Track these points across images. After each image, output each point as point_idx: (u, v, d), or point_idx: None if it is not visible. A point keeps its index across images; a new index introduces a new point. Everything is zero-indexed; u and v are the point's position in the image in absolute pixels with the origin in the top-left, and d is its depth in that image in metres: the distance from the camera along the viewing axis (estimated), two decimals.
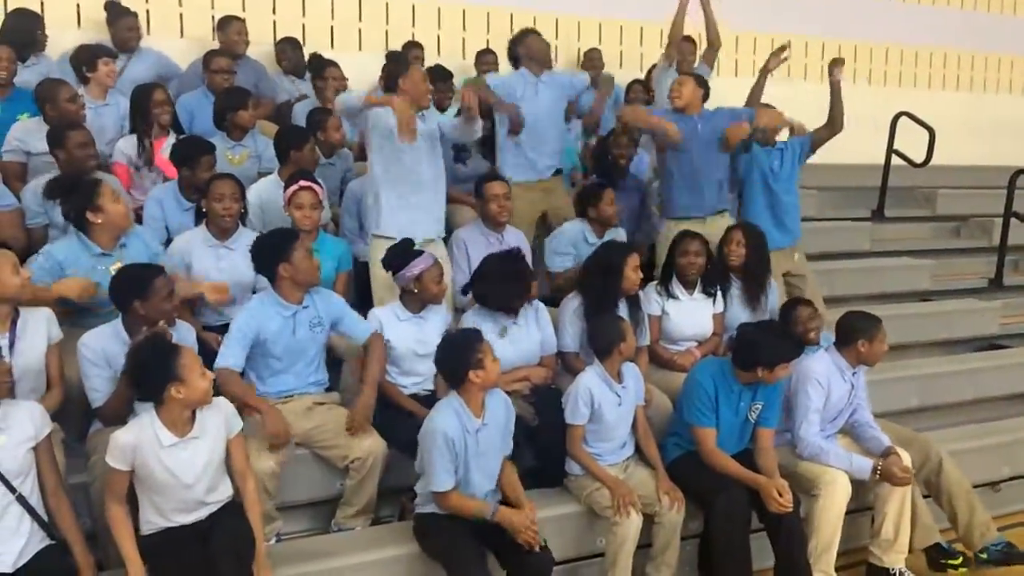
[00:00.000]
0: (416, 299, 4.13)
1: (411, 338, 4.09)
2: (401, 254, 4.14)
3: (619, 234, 5.13)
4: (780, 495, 3.87)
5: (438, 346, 3.63)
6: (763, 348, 3.91)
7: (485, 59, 7.20)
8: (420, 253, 4.14)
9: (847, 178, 8.25)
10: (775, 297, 5.01)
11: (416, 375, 4.14)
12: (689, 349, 4.76)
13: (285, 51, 6.85)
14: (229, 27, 6.47)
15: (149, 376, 3.08)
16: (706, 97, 5.31)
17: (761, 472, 3.99)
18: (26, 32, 5.75)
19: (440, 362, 3.58)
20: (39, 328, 3.52)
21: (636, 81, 7.22)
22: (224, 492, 3.26)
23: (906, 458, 4.24)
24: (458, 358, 3.46)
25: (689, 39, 6.78)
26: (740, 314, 4.82)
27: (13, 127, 5.01)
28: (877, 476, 4.12)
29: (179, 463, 3.10)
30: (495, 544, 3.52)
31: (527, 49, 5.49)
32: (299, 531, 3.93)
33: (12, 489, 2.99)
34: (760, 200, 5.37)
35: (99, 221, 3.88)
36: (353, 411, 3.83)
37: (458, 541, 3.45)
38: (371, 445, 3.77)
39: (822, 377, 4.17)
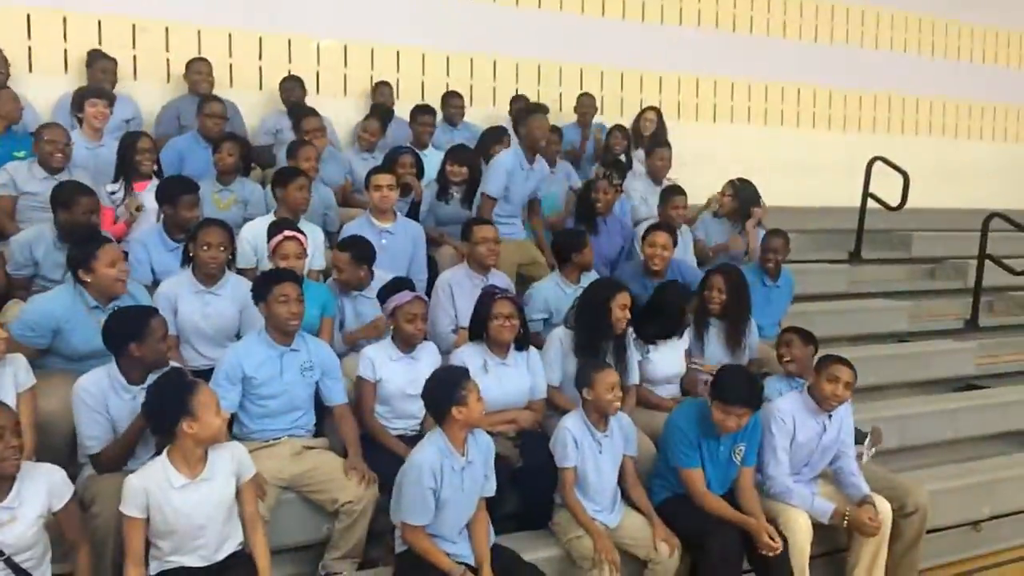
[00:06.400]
0: (398, 337, 4.15)
1: (402, 378, 4.09)
2: (390, 290, 4.18)
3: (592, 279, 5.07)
4: (771, 537, 3.89)
5: (426, 380, 3.63)
6: (724, 387, 3.93)
7: (452, 102, 7.43)
8: (404, 290, 4.15)
9: (824, 221, 8.38)
10: (755, 339, 5.06)
11: (407, 416, 4.14)
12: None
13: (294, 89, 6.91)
14: (192, 67, 6.68)
15: (164, 409, 3.08)
16: None
17: (745, 512, 4.00)
18: None
19: (426, 396, 3.58)
20: (5, 376, 3.46)
21: (617, 127, 7.38)
22: (235, 540, 3.24)
23: (884, 507, 4.26)
24: (443, 393, 3.47)
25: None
26: (721, 356, 4.87)
27: (7, 164, 5.12)
28: (845, 524, 4.15)
29: (190, 505, 3.09)
30: None
31: (528, 131, 5.58)
32: (287, 575, 3.88)
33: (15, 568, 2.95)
34: None
35: (88, 280, 3.87)
36: (353, 460, 3.83)
37: None
38: (365, 489, 3.76)
39: (787, 416, 4.20)
